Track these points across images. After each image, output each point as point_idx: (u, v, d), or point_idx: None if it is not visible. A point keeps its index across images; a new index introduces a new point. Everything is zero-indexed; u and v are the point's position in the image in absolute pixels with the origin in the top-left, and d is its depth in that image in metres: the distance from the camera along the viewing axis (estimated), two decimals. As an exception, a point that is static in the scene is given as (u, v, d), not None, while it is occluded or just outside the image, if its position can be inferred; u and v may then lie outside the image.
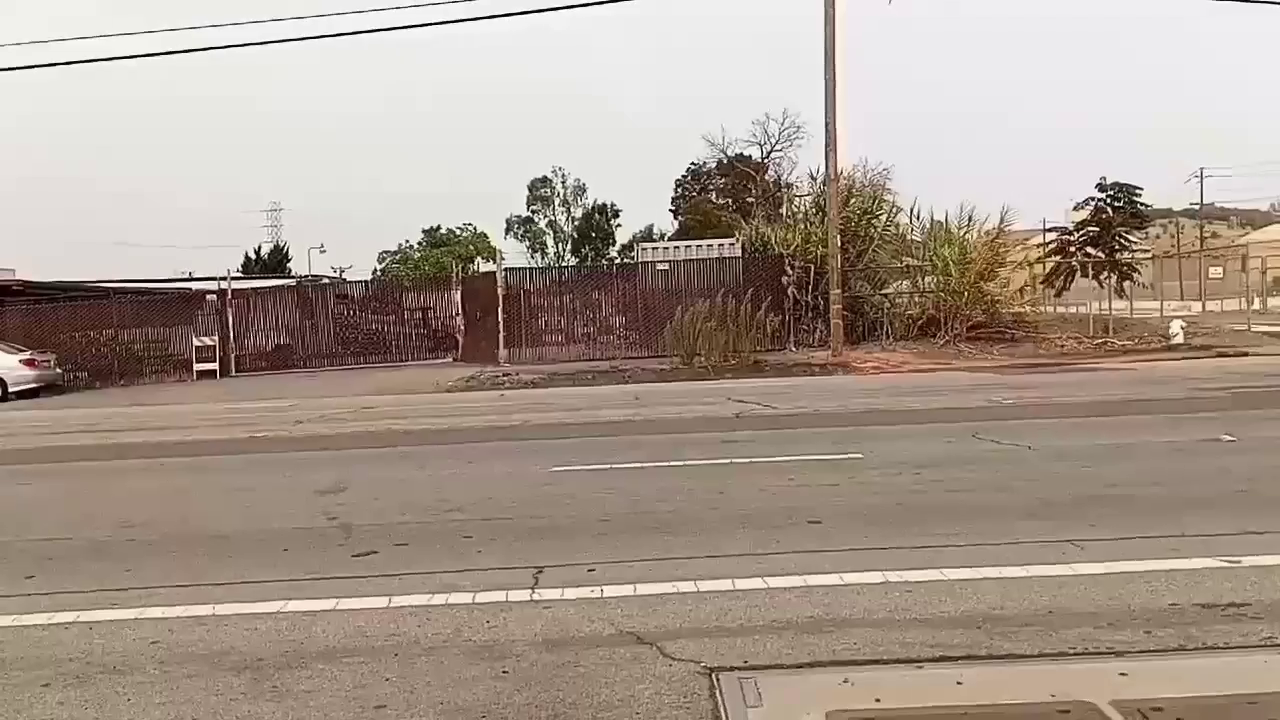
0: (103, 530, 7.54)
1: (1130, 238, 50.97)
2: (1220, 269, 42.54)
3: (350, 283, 39.24)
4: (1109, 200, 51.49)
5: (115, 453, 13.04)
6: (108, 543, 7.12)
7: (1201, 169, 66.70)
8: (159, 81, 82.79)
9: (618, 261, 57.20)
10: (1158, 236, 59.74)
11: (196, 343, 29.71)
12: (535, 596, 5.26)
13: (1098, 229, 49.01)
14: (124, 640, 4.79)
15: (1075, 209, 53.68)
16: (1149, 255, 48.16)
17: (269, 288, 36.09)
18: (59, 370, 27.59)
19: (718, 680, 4.00)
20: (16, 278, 37.08)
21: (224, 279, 32.78)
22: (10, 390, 25.40)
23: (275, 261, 67.17)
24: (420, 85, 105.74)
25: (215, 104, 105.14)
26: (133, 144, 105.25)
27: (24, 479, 10.86)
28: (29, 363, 26.16)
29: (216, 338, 29.90)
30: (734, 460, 9.68)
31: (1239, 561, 5.32)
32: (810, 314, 27.19)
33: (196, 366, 29.41)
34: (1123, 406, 13.07)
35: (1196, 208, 69.41)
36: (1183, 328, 25.14)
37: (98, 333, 30.37)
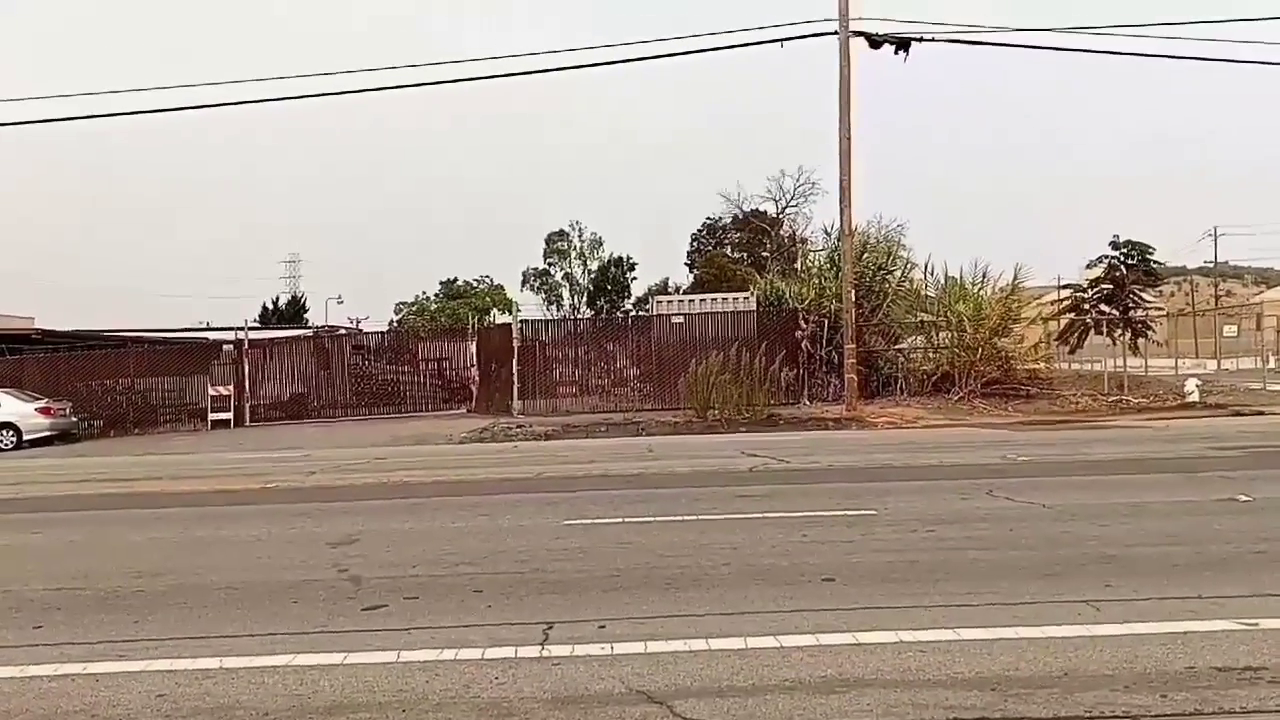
0: (112, 580, 7.53)
1: (1144, 295, 50.92)
2: (1235, 327, 42.38)
3: (366, 333, 39.50)
4: (1122, 258, 51.53)
5: (127, 502, 13.06)
6: (116, 593, 7.10)
7: (1215, 227, 66.78)
8: (181, 131, 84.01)
9: (633, 314, 57.44)
10: (1172, 294, 59.66)
11: (211, 392, 29.87)
12: (545, 653, 5.21)
13: (1111, 286, 49.00)
14: (130, 693, 4.76)
15: (1088, 266, 53.74)
16: (1163, 313, 48.07)
17: (286, 338, 36.32)
18: (74, 419, 27.77)
19: (728, 741, 3.95)
20: (35, 326, 37.48)
21: (241, 329, 33.04)
22: (25, 438, 25.56)
23: (293, 312, 67.78)
24: (441, 139, 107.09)
25: (238, 153, 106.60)
26: (153, 195, 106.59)
27: (35, 527, 10.87)
28: (44, 411, 26.34)
29: (232, 387, 30.06)
30: (747, 515, 9.62)
31: (1256, 624, 5.24)
32: (824, 368, 27.18)
33: (211, 416, 29.54)
34: (1138, 465, 12.96)
35: (1210, 266, 69.39)
36: (1198, 386, 25.01)
37: (113, 382, 30.62)
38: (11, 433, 25.69)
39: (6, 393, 26.68)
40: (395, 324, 61.39)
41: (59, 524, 11.20)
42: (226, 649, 5.43)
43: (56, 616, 6.46)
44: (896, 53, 23.24)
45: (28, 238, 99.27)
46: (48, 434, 26.16)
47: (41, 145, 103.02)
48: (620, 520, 9.50)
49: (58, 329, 37.46)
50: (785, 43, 22.85)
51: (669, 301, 36.32)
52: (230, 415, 29.58)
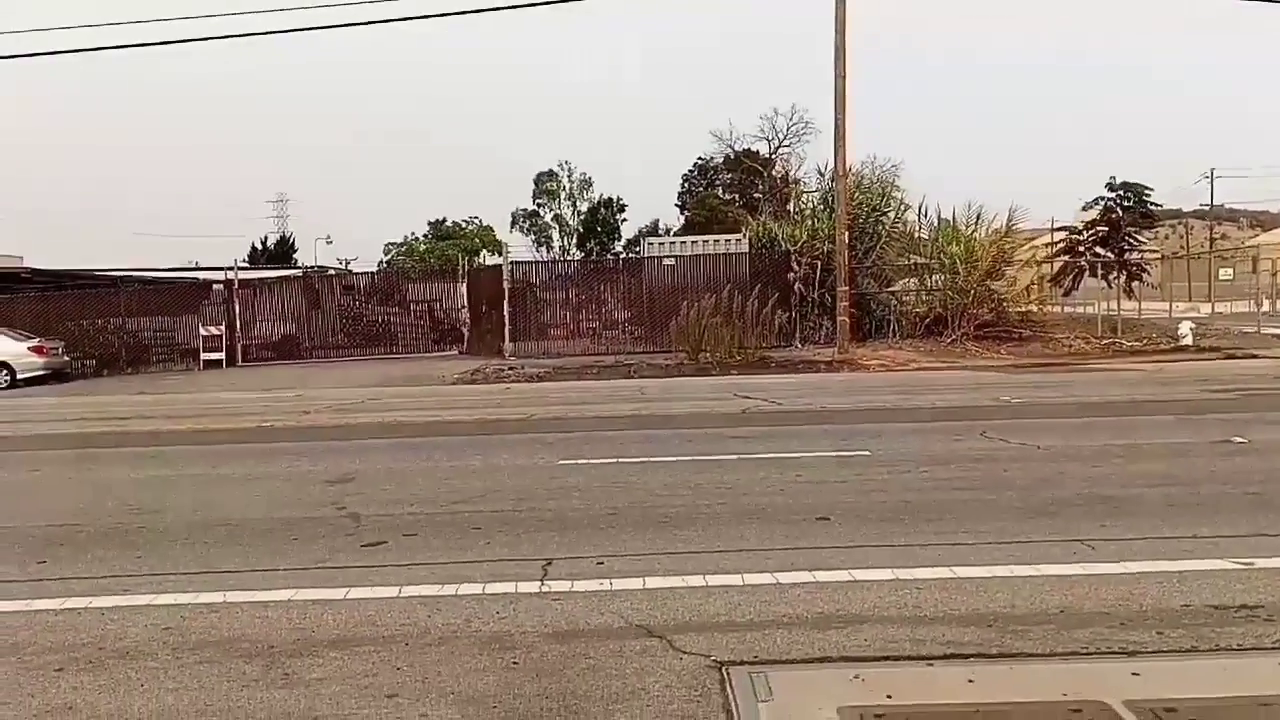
0: (112, 517, 7.56)
1: (1139, 238, 50.82)
2: (1230, 270, 42.40)
3: (356, 274, 39.33)
4: (1118, 200, 51.34)
5: (123, 440, 13.07)
6: (118, 529, 7.13)
7: (1212, 170, 66.62)
8: (166, 68, 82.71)
9: (623, 256, 57.20)
10: (1167, 237, 59.58)
11: (203, 332, 29.78)
12: (544, 588, 5.27)
13: (1107, 229, 48.84)
14: (136, 626, 4.80)
15: (1084, 209, 53.51)
16: (1158, 256, 48.05)
17: (275, 278, 36.10)
18: (67, 358, 27.65)
19: (728, 674, 4.00)
20: (25, 265, 37.16)
21: (231, 269, 32.84)
22: (19, 377, 25.46)
23: (281, 252, 67.29)
24: (429, 75, 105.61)
25: (223, 91, 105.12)
26: (139, 130, 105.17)
27: (33, 465, 10.88)
28: (37, 350, 26.22)
29: (223, 327, 29.95)
30: (741, 456, 9.67)
31: (1251, 564, 5.31)
32: (816, 311, 27.16)
33: (203, 355, 29.48)
34: (1132, 407, 13.05)
35: (1206, 209, 69.26)
36: (1192, 329, 25.07)
37: (105, 321, 30.45)
38: (5, 372, 25.57)
39: (-1, 332, 26.55)
40: (384, 265, 61.11)
41: (56, 462, 11.22)
42: (229, 584, 5.48)
43: (59, 552, 6.49)
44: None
45: (13, 173, 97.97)
46: (41, 373, 26.07)
47: (30, 81, 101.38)
48: (615, 460, 9.54)
49: (48, 268, 37.16)
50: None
51: (660, 244, 36.14)
52: (222, 355, 29.50)
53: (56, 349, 27.06)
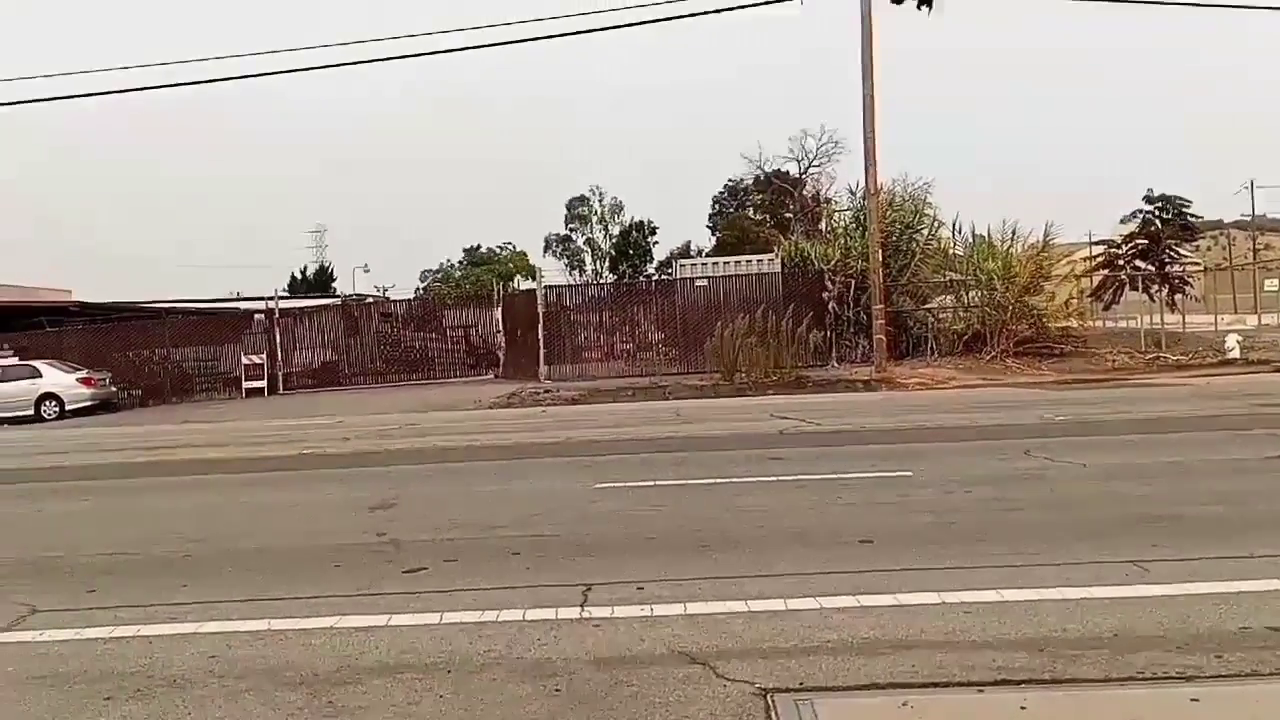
0: (160, 545, 7.63)
1: (1180, 250, 50.11)
2: (1275, 282, 41.67)
3: (394, 301, 39.67)
4: (1157, 213, 50.69)
5: (169, 469, 13.23)
6: (164, 558, 7.20)
7: (1252, 180, 65.54)
8: (211, 99, 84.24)
9: (656, 278, 57.27)
10: (1208, 249, 58.60)
11: (245, 361, 30.15)
12: (585, 614, 5.24)
13: (1146, 242, 48.22)
14: (183, 654, 4.83)
15: (1122, 222, 52.83)
16: (1200, 268, 47.31)
17: (315, 306, 36.55)
18: (114, 389, 28.12)
19: (773, 701, 3.95)
20: (74, 299, 37.90)
21: (271, 298, 33.29)
22: (68, 408, 25.95)
23: (320, 281, 68.13)
24: (465, 106, 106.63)
25: (261, 126, 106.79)
26: (181, 165, 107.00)
27: (83, 494, 11.03)
28: (85, 381, 26.69)
29: (265, 356, 30.31)
30: (780, 478, 9.60)
31: (1309, 583, 5.17)
32: (852, 329, 27.01)
33: (245, 384, 29.83)
34: (1179, 423, 12.81)
35: (1248, 219, 68.12)
36: (1239, 342, 24.63)
37: (150, 352, 30.98)
38: (55, 403, 26.06)
39: (48, 364, 27.03)
40: (421, 291, 61.64)
41: (106, 491, 11.37)
42: (274, 611, 5.50)
43: (108, 580, 6.56)
44: (920, 7, 22.75)
45: (60, 211, 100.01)
46: (89, 404, 26.52)
47: (76, 119, 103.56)
48: (652, 483, 9.51)
49: (95, 301, 37.86)
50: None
51: (692, 265, 36.16)
52: (264, 383, 29.85)
53: (104, 380, 27.52)
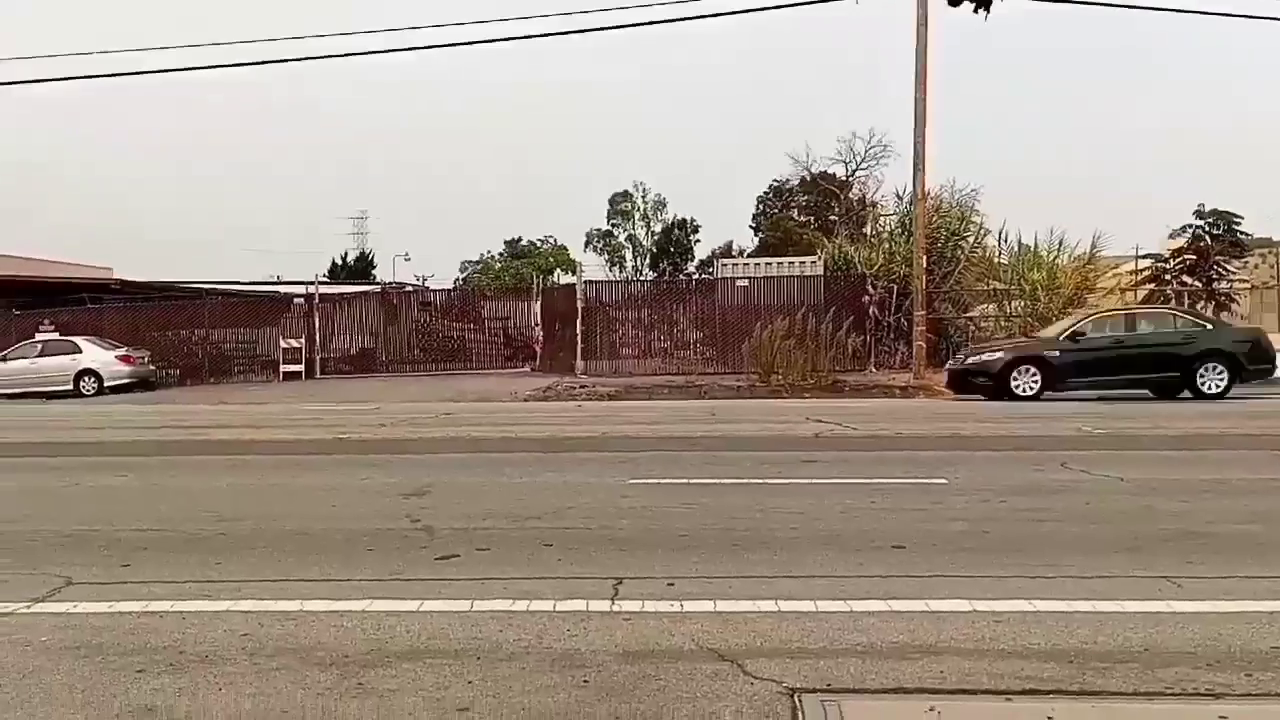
0: (194, 523, 7.75)
1: (1228, 267, 49.34)
2: (1322, 302, 40.89)
3: (433, 291, 39.93)
4: (1207, 228, 49.95)
5: (205, 449, 13.44)
6: (199, 535, 7.31)
7: (1305, 197, 64.33)
8: (253, 87, 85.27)
9: (696, 277, 57.23)
10: (1256, 266, 57.63)
11: (283, 344, 30.51)
12: (615, 608, 5.26)
13: (1195, 257, 47.55)
14: (216, 631, 4.90)
15: (1171, 236, 52.15)
16: (1248, 285, 46.54)
17: (354, 293, 36.92)
18: (152, 367, 28.56)
19: (800, 702, 3.94)
20: (115, 276, 38.52)
21: (311, 284, 33.64)
22: (106, 384, 26.40)
23: (360, 268, 68.78)
24: (503, 95, 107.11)
25: (308, 112, 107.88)
26: (226, 147, 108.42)
27: (119, 471, 11.22)
28: (124, 359, 27.15)
29: (303, 340, 30.64)
30: (814, 480, 9.58)
31: (1348, 606, 5.08)
32: (892, 335, 26.87)
33: (283, 368, 30.20)
34: (1219, 440, 12.63)
35: (1300, 237, 66.84)
36: (1281, 362, 24.18)
37: (189, 332, 31.45)
38: (93, 379, 26.54)
39: (89, 340, 27.52)
40: (460, 282, 61.99)
41: (142, 468, 11.55)
42: (306, 592, 5.57)
43: (143, 556, 6.67)
44: (976, 11, 22.51)
45: (105, 189, 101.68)
46: (127, 381, 26.97)
47: (124, 102, 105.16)
48: (686, 481, 9.51)
49: (136, 280, 38.46)
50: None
51: (734, 265, 36.12)
52: (301, 367, 30.21)
53: (142, 358, 27.98)
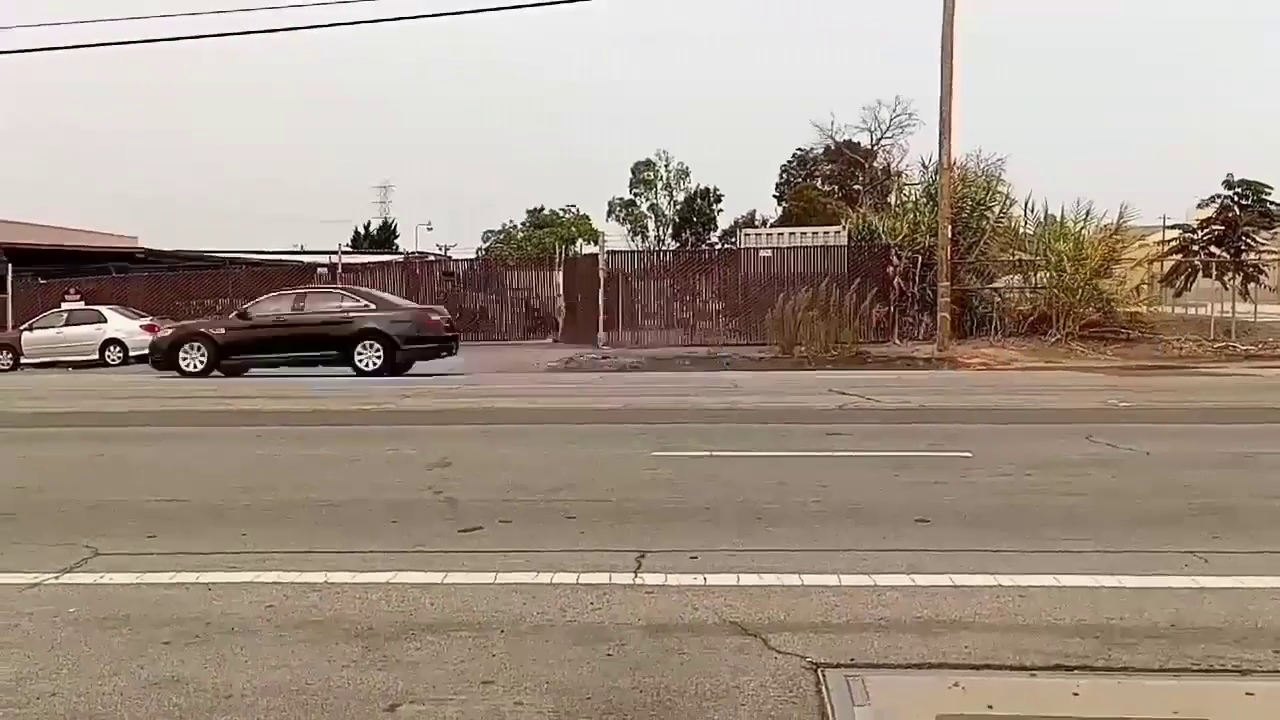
0: (219, 494, 7.81)
1: (1257, 238, 48.60)
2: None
3: (455, 260, 39.95)
4: (1236, 198, 49.19)
5: (229, 419, 13.54)
6: (223, 506, 7.37)
7: (1338, 167, 63.20)
8: (278, 59, 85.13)
9: (719, 247, 56.97)
10: (1286, 237, 56.78)
11: (308, 314, 30.59)
12: (639, 581, 5.26)
13: (1223, 227, 46.84)
14: (241, 602, 4.94)
15: (1199, 206, 51.35)
16: (1276, 256, 45.87)
17: (377, 262, 36.99)
18: (176, 337, 28.72)
19: (824, 676, 3.93)
20: (139, 245, 38.76)
21: (335, 253, 33.76)
22: (131, 354, 26.57)
23: (383, 238, 68.78)
24: (526, 67, 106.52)
25: (332, 79, 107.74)
26: (251, 117, 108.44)
27: (146, 440, 11.33)
28: (149, 328, 27.29)
29: (326, 310, 30.73)
30: (837, 453, 9.55)
31: (1379, 583, 5.03)
32: (916, 306, 26.69)
33: (307, 337, 30.29)
34: (1247, 414, 12.50)
35: (1332, 207, 65.77)
36: (1312, 334, 23.92)
37: (213, 301, 31.64)
38: (119, 348, 26.73)
39: (114, 310, 27.72)
40: (483, 252, 61.94)
41: (168, 438, 11.66)
42: (330, 564, 5.60)
43: (169, 526, 6.73)
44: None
45: (129, 156, 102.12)
46: (152, 350, 27.16)
47: (149, 68, 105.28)
48: (708, 454, 9.51)
49: (160, 249, 38.71)
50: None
51: (757, 235, 35.91)
52: (325, 337, 30.30)
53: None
